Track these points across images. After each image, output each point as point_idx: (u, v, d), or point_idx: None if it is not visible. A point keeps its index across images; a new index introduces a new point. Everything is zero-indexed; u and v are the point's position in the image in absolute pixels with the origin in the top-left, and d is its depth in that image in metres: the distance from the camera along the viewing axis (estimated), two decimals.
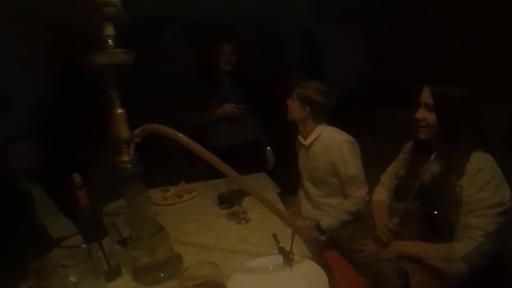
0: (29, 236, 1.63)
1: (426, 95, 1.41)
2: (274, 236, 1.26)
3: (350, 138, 1.82)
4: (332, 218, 1.83)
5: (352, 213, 1.81)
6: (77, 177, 1.10)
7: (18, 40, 2.55)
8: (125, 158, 1.04)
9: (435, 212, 1.39)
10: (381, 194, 1.76)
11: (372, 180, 1.85)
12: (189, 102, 2.49)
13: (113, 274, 1.15)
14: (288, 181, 2.34)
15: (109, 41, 0.98)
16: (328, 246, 1.76)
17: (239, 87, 2.50)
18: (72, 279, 1.02)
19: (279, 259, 1.12)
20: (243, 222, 1.51)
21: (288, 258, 1.10)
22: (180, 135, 0.96)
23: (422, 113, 1.41)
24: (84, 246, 1.11)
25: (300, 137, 2.00)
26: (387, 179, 1.77)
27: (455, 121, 1.35)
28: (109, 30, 0.98)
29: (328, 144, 1.82)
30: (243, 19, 3.12)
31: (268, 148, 2.68)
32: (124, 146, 1.04)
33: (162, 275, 1.11)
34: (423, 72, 2.50)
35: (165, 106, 2.65)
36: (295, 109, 1.90)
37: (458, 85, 1.39)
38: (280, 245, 1.18)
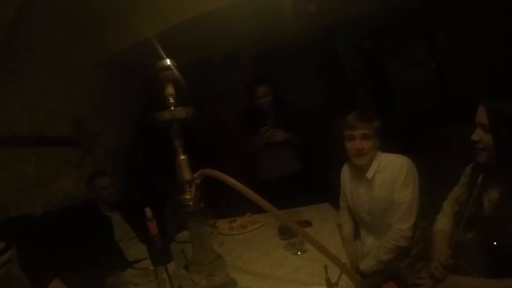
0: (107, 256, 1.94)
1: (481, 114, 1.28)
2: (325, 267, 1.30)
3: (410, 161, 1.74)
4: (370, 259, 1.76)
5: (390, 250, 1.71)
6: (148, 211, 1.31)
7: (105, 88, 3.00)
8: (188, 196, 1.22)
9: (495, 244, 1.26)
10: (442, 222, 1.62)
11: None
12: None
13: None
14: None
15: (170, 99, 1.19)
16: (387, 278, 1.72)
17: (281, 120, 2.64)
18: None
19: None
20: (299, 253, 1.58)
21: None
22: (230, 179, 1.12)
23: (478, 135, 1.29)
24: (152, 268, 1.31)
25: (353, 172, 1.93)
26: (448, 206, 1.62)
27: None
28: (170, 89, 1.19)
29: (390, 170, 1.75)
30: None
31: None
32: (187, 186, 1.23)
33: None
34: (487, 86, 2.35)
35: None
36: (373, 147, 1.77)
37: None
38: (328, 276, 1.23)
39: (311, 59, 3.35)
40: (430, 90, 3.16)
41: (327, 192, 2.34)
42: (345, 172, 2.02)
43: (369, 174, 1.80)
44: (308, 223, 1.91)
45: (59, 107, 2.57)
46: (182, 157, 1.22)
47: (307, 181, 2.70)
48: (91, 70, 2.84)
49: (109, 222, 2.24)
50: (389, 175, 1.76)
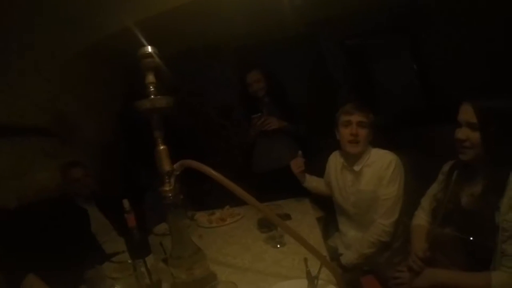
0: (84, 249, 1.89)
1: (467, 113, 1.28)
2: (305, 260, 1.30)
3: (398, 158, 1.78)
4: (352, 252, 1.79)
5: (372, 244, 1.74)
6: (126, 203, 1.28)
7: (85, 78, 2.94)
8: (167, 188, 1.19)
9: (471, 238, 1.29)
10: (420, 218, 1.66)
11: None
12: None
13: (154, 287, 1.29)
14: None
15: (151, 87, 1.15)
16: (365, 271, 1.75)
17: (277, 108, 2.58)
18: None
19: (305, 283, 1.18)
20: (278, 246, 1.59)
21: (312, 283, 1.16)
22: (211, 170, 1.10)
23: (464, 133, 1.28)
24: (130, 262, 1.29)
25: (342, 162, 1.95)
26: (426, 202, 1.66)
27: (503, 139, 1.21)
28: (150, 78, 1.15)
29: (379, 165, 1.78)
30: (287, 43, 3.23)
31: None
32: (166, 177, 1.20)
33: None
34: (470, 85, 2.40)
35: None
36: (367, 138, 1.81)
37: (503, 97, 1.26)
38: (308, 269, 1.23)
39: (295, 55, 3.35)
40: (414, 90, 3.22)
41: None
42: (333, 161, 2.06)
43: (357, 167, 1.84)
44: (288, 216, 1.92)
45: (38, 98, 2.49)
46: (162, 147, 1.19)
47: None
48: (71, 60, 2.75)
49: (85, 215, 2.19)
50: (377, 170, 1.79)
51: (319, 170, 2.18)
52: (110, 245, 2.13)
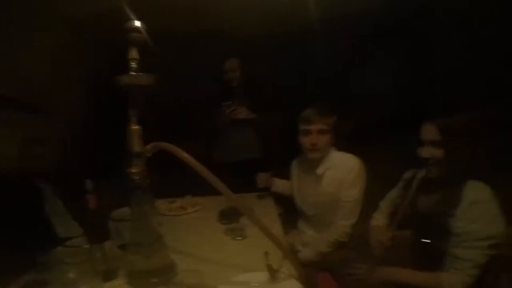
0: (36, 231, 1.76)
1: (430, 132, 1.38)
2: (265, 254, 1.32)
3: (361, 162, 1.84)
4: (310, 250, 1.84)
5: (331, 243, 1.81)
6: (89, 183, 1.21)
7: (57, 48, 2.73)
8: (135, 170, 1.14)
9: (425, 241, 1.40)
10: (378, 219, 1.76)
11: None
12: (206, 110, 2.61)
13: (110, 275, 1.24)
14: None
15: (132, 64, 1.09)
16: (322, 268, 1.80)
17: (247, 102, 2.56)
18: (72, 275, 1.12)
19: (266, 276, 1.19)
20: (239, 238, 1.59)
21: (274, 275, 1.18)
22: (185, 154, 1.08)
23: (429, 151, 1.39)
24: (86, 246, 1.22)
25: (304, 167, 1.99)
26: (384, 205, 1.77)
27: (463, 154, 1.33)
28: (134, 53, 1.10)
29: (341, 168, 1.82)
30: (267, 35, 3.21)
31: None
32: (135, 159, 1.15)
33: (155, 280, 1.19)
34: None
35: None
36: (328, 143, 1.84)
37: (467, 118, 1.37)
38: (269, 263, 1.25)
39: (287, 52, 3.37)
40: (391, 98, 3.28)
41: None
42: (295, 166, 2.10)
43: (320, 171, 1.87)
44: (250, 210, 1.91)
45: (11, 69, 2.29)
46: (134, 127, 1.14)
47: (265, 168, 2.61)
48: (52, 30, 2.58)
49: (40, 195, 2.01)
50: (339, 172, 1.83)
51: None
52: (64, 228, 2.00)
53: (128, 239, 1.24)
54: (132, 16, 1.10)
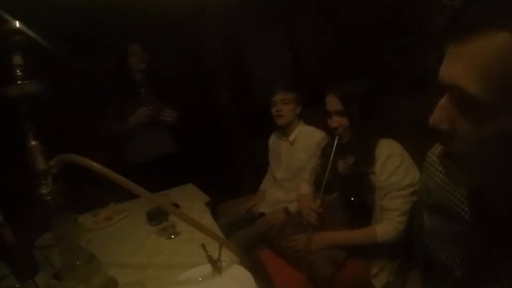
0: None
1: (333, 102, 1.50)
2: (203, 246, 1.29)
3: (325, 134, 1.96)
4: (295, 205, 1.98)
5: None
6: None
7: None
8: (44, 190, 1.01)
9: (352, 199, 1.51)
10: (305, 188, 1.87)
11: None
12: (105, 112, 2.34)
13: None
14: (219, 187, 2.44)
15: (18, 71, 0.95)
16: (259, 245, 1.86)
17: (154, 89, 2.41)
18: None
19: (209, 268, 1.17)
20: (172, 236, 1.54)
21: (216, 265, 1.16)
22: (93, 163, 0.99)
23: (336, 121, 1.51)
24: (18, 286, 1.08)
25: (279, 135, 2.22)
26: (308, 175, 1.89)
27: (364, 117, 1.46)
28: (18, 59, 0.95)
29: (312, 139, 1.99)
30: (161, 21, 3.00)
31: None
32: (42, 178, 1.02)
33: None
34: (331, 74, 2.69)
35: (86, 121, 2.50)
36: (291, 111, 2.06)
37: (359, 84, 1.51)
38: (209, 254, 1.23)
39: (172, 39, 3.21)
40: (286, 78, 3.41)
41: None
42: (272, 137, 2.31)
43: (292, 137, 2.11)
44: (176, 206, 1.86)
45: None
46: (33, 143, 0.99)
47: (180, 161, 2.57)
48: None
49: None
50: (308, 141, 2.03)
51: None
52: None
53: (60, 266, 1.13)
54: (8, 17, 0.95)
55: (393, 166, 1.41)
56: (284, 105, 2.04)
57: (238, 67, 3.52)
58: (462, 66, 0.51)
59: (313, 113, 2.05)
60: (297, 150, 2.09)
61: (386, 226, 1.43)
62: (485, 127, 0.51)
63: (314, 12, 2.96)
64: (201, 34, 3.42)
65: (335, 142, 1.53)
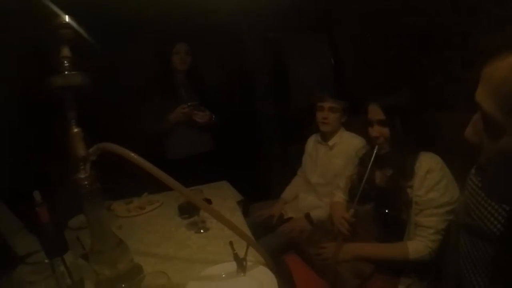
0: None
1: (376, 112, 1.46)
2: (230, 243, 1.31)
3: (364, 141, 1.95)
4: (321, 210, 1.98)
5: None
6: (37, 195, 1.12)
7: None
8: (82, 175, 1.07)
9: (387, 212, 1.46)
10: (339, 197, 1.84)
11: None
12: (147, 110, 2.42)
13: (76, 287, 1.17)
14: (252, 187, 2.44)
15: (65, 62, 1.01)
16: (288, 250, 1.83)
17: (195, 90, 2.46)
18: None
19: (234, 265, 1.18)
20: (202, 231, 1.57)
21: (241, 264, 1.17)
22: (131, 153, 1.02)
23: (377, 130, 1.47)
24: (47, 261, 1.14)
25: (318, 139, 2.18)
26: (343, 183, 1.84)
27: (406, 129, 1.41)
28: (65, 51, 1.01)
29: (351, 146, 1.96)
30: (203, 24, 3.07)
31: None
32: (81, 164, 1.08)
33: (123, 286, 1.15)
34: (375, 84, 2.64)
35: (126, 117, 2.61)
36: (337, 120, 2.05)
37: (404, 95, 1.46)
38: (235, 252, 1.24)
39: (214, 43, 3.26)
40: (327, 85, 3.38)
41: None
42: (310, 140, 2.29)
43: (331, 142, 2.09)
44: (208, 201, 1.89)
45: None
46: (76, 130, 1.06)
47: (217, 159, 2.59)
48: None
49: None
50: (346, 148, 1.99)
51: None
52: (22, 244, 1.86)
53: (89, 247, 1.18)
54: (60, 11, 1.00)
55: (432, 182, 1.35)
56: (331, 113, 2.02)
57: (279, 71, 3.52)
58: (482, 85, 0.56)
59: (354, 120, 2.02)
60: (335, 156, 2.07)
61: (418, 244, 1.37)
62: (499, 143, 0.54)
63: (358, 21, 2.92)
64: (244, 37, 3.45)
65: (374, 152, 1.50)
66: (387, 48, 2.55)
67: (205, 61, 2.68)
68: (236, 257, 1.21)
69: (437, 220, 1.34)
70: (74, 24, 0.98)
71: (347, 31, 3.17)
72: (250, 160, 3.31)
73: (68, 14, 1.00)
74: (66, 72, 1.00)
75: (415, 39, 2.23)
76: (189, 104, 2.33)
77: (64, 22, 0.97)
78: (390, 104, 1.44)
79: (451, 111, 1.77)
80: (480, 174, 0.73)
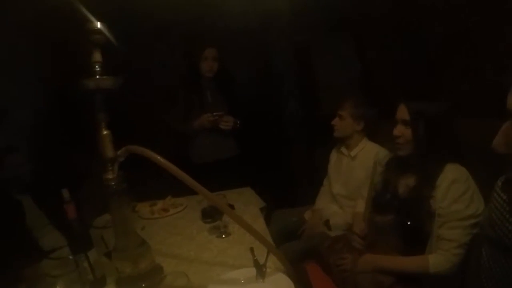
0: (19, 246, 1.70)
1: (402, 112, 1.44)
2: (251, 249, 1.31)
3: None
4: (341, 218, 1.99)
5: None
6: (65, 192, 1.18)
7: (18, 57, 2.61)
8: (110, 175, 1.11)
9: (409, 223, 1.40)
10: (361, 206, 1.81)
11: None
12: (171, 112, 2.48)
13: (98, 284, 1.21)
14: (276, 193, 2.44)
15: (96, 66, 1.06)
16: (307, 258, 1.81)
17: (221, 94, 2.49)
18: None
19: (253, 271, 1.18)
20: (223, 236, 1.58)
21: (261, 270, 1.17)
22: (158, 156, 1.05)
23: (399, 130, 1.44)
24: (71, 257, 1.18)
25: (341, 149, 2.15)
26: (365, 191, 1.81)
27: (430, 136, 1.38)
28: (97, 56, 1.06)
29: (373, 156, 1.93)
30: (231, 28, 3.07)
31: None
32: (109, 164, 1.12)
33: (143, 285, 1.18)
34: (405, 86, 2.58)
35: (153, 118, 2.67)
36: (347, 127, 2.03)
37: (433, 99, 1.45)
38: (255, 258, 1.24)
39: (242, 46, 3.29)
40: (355, 88, 3.34)
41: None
42: (334, 150, 2.28)
43: (353, 153, 2.06)
44: (231, 207, 1.90)
45: None
46: (105, 132, 1.10)
47: (240, 164, 2.62)
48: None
49: (20, 207, 1.94)
50: (368, 158, 1.95)
51: None
52: (48, 240, 1.94)
53: (112, 246, 1.22)
54: (91, 17, 1.05)
55: (457, 193, 1.29)
56: (339, 120, 2.03)
57: (305, 76, 3.50)
58: None
59: (383, 126, 1.97)
60: (357, 167, 2.03)
61: (440, 257, 1.31)
62: None
63: (386, 25, 2.87)
64: (270, 41, 3.45)
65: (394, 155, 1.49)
66: (414, 54, 2.50)
67: (232, 65, 2.72)
68: (256, 263, 1.21)
69: (461, 233, 1.28)
70: (105, 30, 1.02)
71: (376, 36, 3.12)
72: (274, 167, 3.29)
73: (99, 17, 1.05)
74: (97, 77, 1.04)
75: (447, 44, 2.18)
76: (214, 114, 2.36)
77: (96, 28, 1.02)
78: (416, 106, 1.42)
79: (477, 117, 1.69)
80: (508, 186, 0.68)
